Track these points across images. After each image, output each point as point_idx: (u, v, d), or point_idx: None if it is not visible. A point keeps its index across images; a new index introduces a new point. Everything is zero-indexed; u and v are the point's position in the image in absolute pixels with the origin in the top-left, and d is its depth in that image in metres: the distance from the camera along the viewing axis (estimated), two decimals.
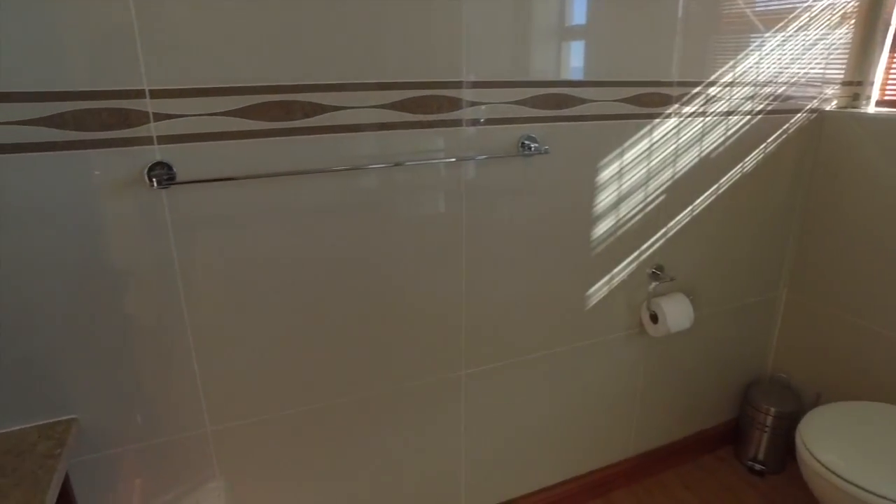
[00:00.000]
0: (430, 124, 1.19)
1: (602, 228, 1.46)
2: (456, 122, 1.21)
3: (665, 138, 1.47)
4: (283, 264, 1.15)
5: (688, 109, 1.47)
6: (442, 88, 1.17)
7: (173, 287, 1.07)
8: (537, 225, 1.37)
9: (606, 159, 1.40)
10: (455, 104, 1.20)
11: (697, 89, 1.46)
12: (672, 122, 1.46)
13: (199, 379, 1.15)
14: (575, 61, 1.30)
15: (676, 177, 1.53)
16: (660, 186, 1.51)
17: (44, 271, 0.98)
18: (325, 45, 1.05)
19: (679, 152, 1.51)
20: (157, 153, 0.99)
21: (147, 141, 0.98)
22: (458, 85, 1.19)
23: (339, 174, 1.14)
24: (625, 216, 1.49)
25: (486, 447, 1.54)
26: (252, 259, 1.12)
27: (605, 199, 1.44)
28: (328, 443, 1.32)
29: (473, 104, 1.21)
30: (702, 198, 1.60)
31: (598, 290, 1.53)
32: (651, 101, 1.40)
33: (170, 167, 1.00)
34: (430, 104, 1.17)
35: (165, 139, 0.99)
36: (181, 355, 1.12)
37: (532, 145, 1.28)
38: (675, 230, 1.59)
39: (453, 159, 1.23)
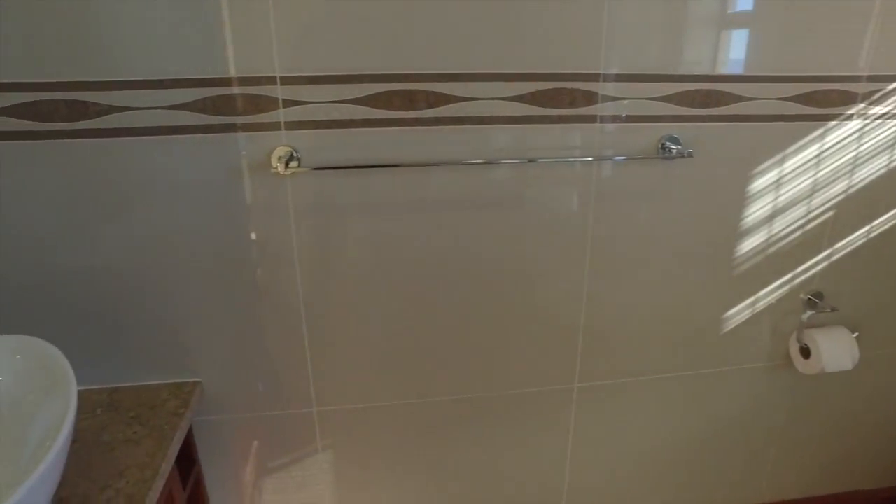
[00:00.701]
0: (561, 119, 1.11)
1: (749, 244, 1.28)
2: (589, 119, 1.12)
3: (842, 144, 1.24)
4: (398, 256, 1.14)
5: (877, 110, 1.23)
6: (576, 81, 1.08)
7: (291, 270, 1.11)
8: (672, 235, 1.24)
9: (762, 166, 1.22)
10: (590, 98, 1.10)
11: (893, 85, 1.22)
12: (853, 124, 1.23)
13: (309, 361, 1.19)
14: (735, 53, 1.13)
15: (851, 190, 1.29)
16: (828, 200, 1.29)
17: (183, 244, 1.07)
18: (452, 33, 1.01)
19: (859, 161, 1.27)
20: (284, 138, 1.02)
21: (275, 127, 1.01)
22: (594, 78, 1.09)
23: (463, 168, 1.10)
24: (779, 232, 1.29)
25: (594, 468, 1.44)
26: (367, 248, 1.12)
27: (756, 211, 1.25)
28: (426, 437, 1.31)
29: (611, 99, 1.11)
30: (884, 217, 1.34)
31: (739, 312, 1.35)
32: (827, 99, 1.19)
33: (295, 152, 1.03)
34: (561, 98, 1.09)
35: (292, 125, 1.02)
36: (295, 336, 1.16)
37: (673, 147, 1.14)
38: (842, 253, 1.35)
39: (590, 158, 1.14)
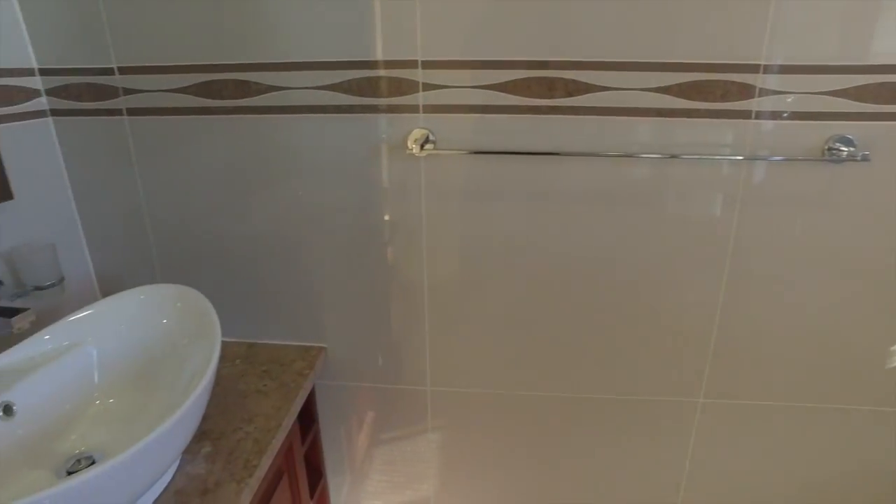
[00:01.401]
0: (710, 114, 1.02)
1: None
2: (743, 114, 1.02)
3: None
4: (522, 245, 1.13)
5: None
6: (731, 72, 0.99)
7: (419, 251, 1.15)
8: (834, 249, 1.09)
9: None
10: (745, 92, 1.00)
11: None
12: None
13: (428, 341, 1.22)
14: None
15: None
16: None
17: (324, 217, 1.14)
18: (596, 20, 0.97)
19: None
20: (421, 121, 1.05)
21: (413, 109, 1.04)
22: (753, 69, 0.99)
23: (597, 160, 1.06)
24: None
25: (711, 491, 1.33)
26: (492, 234, 1.12)
27: None
28: (535, 432, 1.29)
29: (772, 93, 1.00)
30: None
31: None
32: None
33: (431, 135, 1.05)
34: (712, 90, 1.01)
35: (429, 108, 1.04)
36: (417, 314, 1.20)
37: (845, 149, 1.01)
38: None
39: (740, 157, 1.04)
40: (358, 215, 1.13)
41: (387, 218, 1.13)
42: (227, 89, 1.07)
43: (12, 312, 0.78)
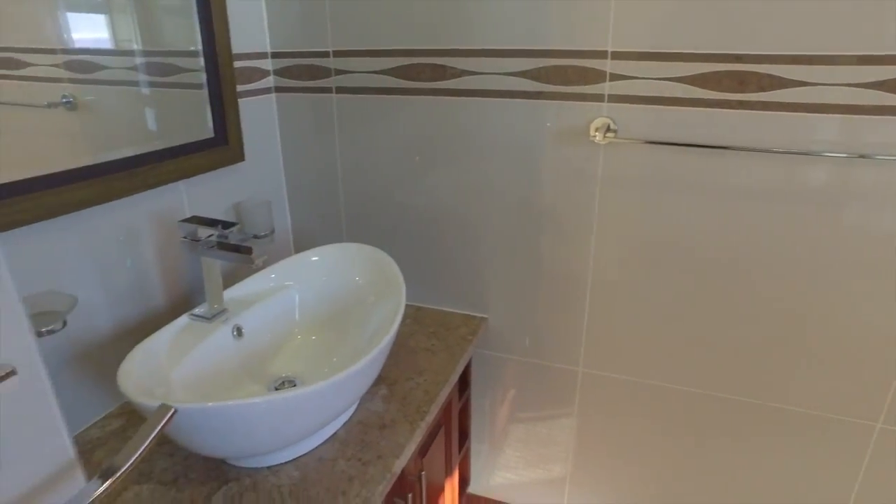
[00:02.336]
0: None
1: None
2: None
3: None
4: (694, 239, 1.12)
5: None
6: None
7: (587, 234, 1.18)
8: None
9: None
10: None
11: None
12: None
13: (585, 321, 1.25)
14: None
15: None
16: None
17: (498, 195, 1.22)
18: (797, 11, 0.93)
19: None
20: (605, 110, 1.08)
21: (598, 98, 1.07)
22: None
23: (778, 157, 1.02)
24: None
25: None
26: (664, 226, 1.13)
27: None
28: (686, 431, 1.28)
29: None
30: None
31: None
32: None
33: (613, 123, 1.08)
34: None
35: (614, 98, 1.07)
36: (577, 296, 1.24)
37: None
38: None
39: None
40: (531, 198, 1.20)
41: (559, 202, 1.18)
42: (424, 72, 1.18)
43: (249, 250, 0.94)
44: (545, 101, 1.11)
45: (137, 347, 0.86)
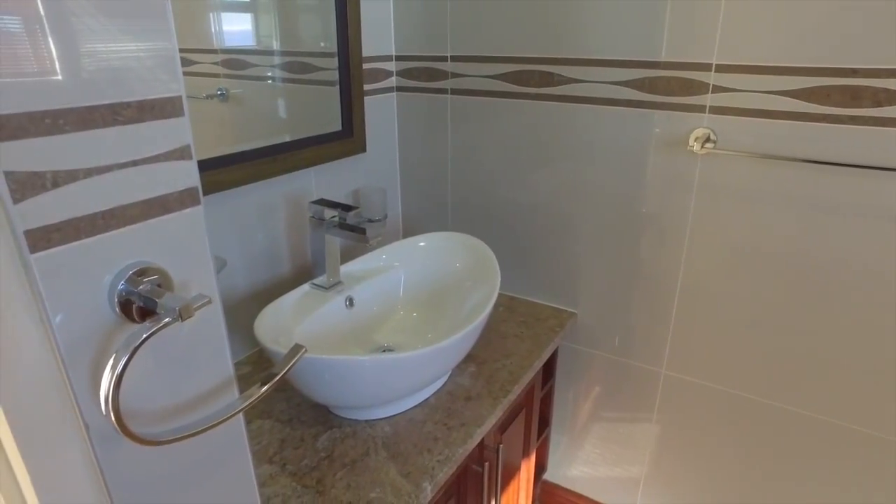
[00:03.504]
0: None
1: None
2: None
3: None
4: (785, 252, 1.11)
5: None
6: None
7: (680, 239, 1.21)
8: None
9: None
10: None
11: None
12: None
13: (671, 324, 1.28)
14: None
15: None
16: None
17: (595, 196, 1.28)
18: None
19: None
20: (705, 121, 1.11)
21: (699, 109, 1.10)
22: None
23: (890, 176, 1.00)
24: None
25: None
26: (755, 236, 1.13)
27: None
28: (765, 443, 1.27)
29: None
30: None
31: None
32: None
33: (713, 134, 1.11)
34: None
35: (715, 109, 1.09)
36: (666, 298, 1.27)
37: None
38: None
39: None
40: (628, 202, 1.24)
41: (654, 208, 1.22)
42: (533, 79, 1.26)
43: (364, 231, 1.08)
44: (647, 110, 1.16)
45: (269, 306, 1.03)
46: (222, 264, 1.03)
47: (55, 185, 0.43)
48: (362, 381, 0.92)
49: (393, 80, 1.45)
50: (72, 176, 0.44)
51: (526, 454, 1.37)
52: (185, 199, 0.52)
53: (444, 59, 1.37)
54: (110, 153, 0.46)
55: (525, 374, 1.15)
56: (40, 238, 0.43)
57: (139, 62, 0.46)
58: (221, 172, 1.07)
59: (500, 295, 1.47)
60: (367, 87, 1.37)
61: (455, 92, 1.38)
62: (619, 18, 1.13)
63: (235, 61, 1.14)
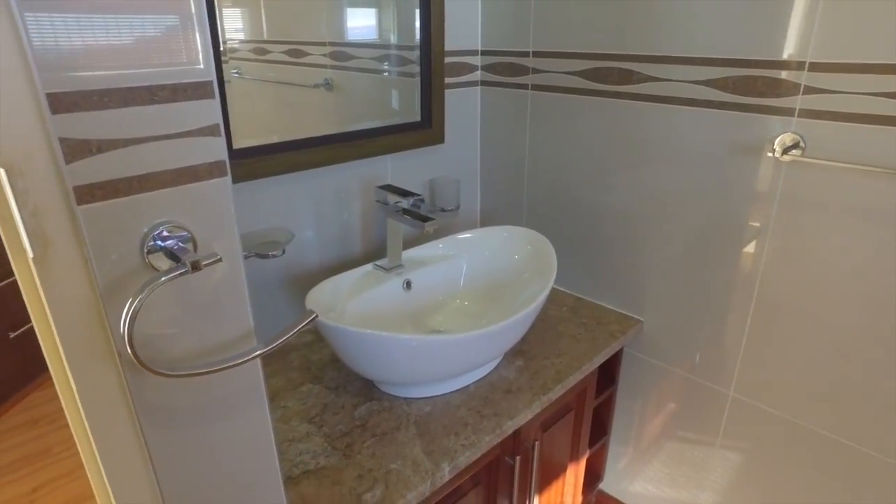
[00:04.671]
0: None
1: None
2: None
3: None
4: (876, 274, 0.99)
5: None
6: None
7: (757, 255, 1.13)
8: None
9: None
10: None
11: None
12: None
13: (743, 342, 1.19)
14: None
15: None
16: None
17: (674, 202, 1.22)
18: None
19: None
20: (793, 125, 1.02)
21: (788, 112, 1.01)
22: None
23: None
24: None
25: None
26: (843, 257, 1.02)
27: None
28: (844, 491, 1.14)
29: None
30: None
31: None
32: None
33: (801, 140, 1.01)
34: None
35: (805, 113, 1.00)
36: (738, 317, 1.19)
37: None
38: None
39: None
40: (703, 209, 1.17)
41: (730, 217, 1.14)
42: (612, 76, 1.23)
43: (425, 219, 1.12)
44: (729, 111, 1.08)
45: (328, 279, 1.11)
46: (290, 237, 1.13)
47: (99, 150, 0.52)
48: (404, 358, 0.97)
49: (478, 75, 1.48)
50: (112, 144, 0.52)
51: (574, 458, 1.35)
52: (213, 170, 0.59)
53: (525, 54, 1.37)
54: (147, 127, 0.54)
55: (572, 375, 1.14)
56: (85, 193, 0.52)
57: (177, 51, 0.54)
58: (305, 154, 1.16)
59: (566, 295, 1.46)
60: (450, 80, 1.41)
61: (535, 88, 1.38)
62: (704, 13, 1.07)
63: (340, 53, 1.24)
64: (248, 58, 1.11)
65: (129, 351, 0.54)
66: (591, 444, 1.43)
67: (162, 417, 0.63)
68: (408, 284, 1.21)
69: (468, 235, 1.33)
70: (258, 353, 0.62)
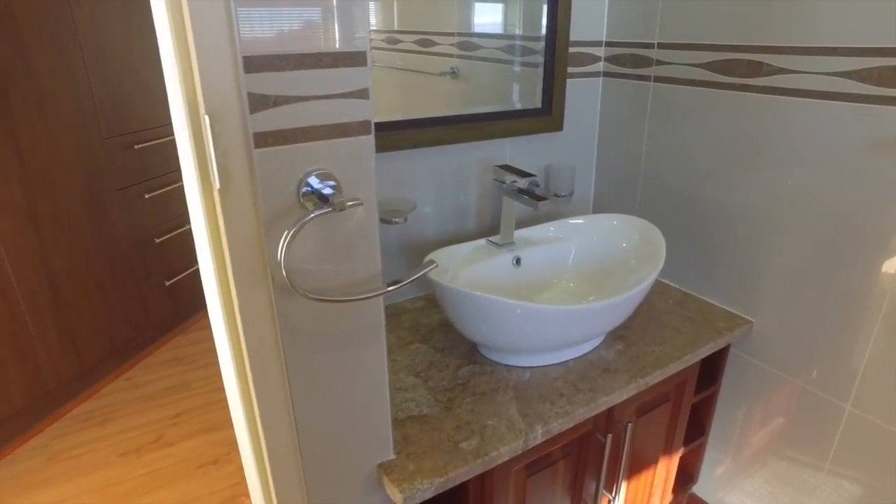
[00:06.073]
0: None
1: None
2: None
3: None
4: None
5: None
6: None
7: (891, 262, 1.06)
8: None
9: None
10: None
11: None
12: None
13: (867, 353, 1.13)
14: None
15: None
16: None
17: (803, 202, 1.18)
18: None
19: None
20: None
21: None
22: None
23: None
24: None
25: None
26: None
27: None
28: None
29: None
30: None
31: None
32: None
33: None
34: None
35: None
36: (865, 322, 1.12)
37: None
38: None
39: None
40: (834, 210, 1.12)
41: (864, 220, 1.08)
42: (740, 68, 1.20)
43: (539, 199, 1.17)
44: (871, 105, 1.03)
45: (445, 248, 1.20)
46: (412, 206, 1.23)
47: (275, 104, 0.63)
48: (510, 324, 1.03)
49: (600, 66, 1.50)
50: (286, 100, 0.63)
51: (667, 452, 1.34)
52: (360, 128, 0.69)
53: (650, 45, 1.37)
54: (313, 87, 0.64)
55: (672, 364, 1.14)
56: (261, 139, 0.63)
57: (342, 25, 0.64)
58: (429, 132, 1.26)
59: (673, 289, 1.45)
60: (572, 69, 1.45)
61: (658, 80, 1.38)
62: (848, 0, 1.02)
63: (468, 43, 1.33)
64: (380, 47, 1.22)
65: (283, 273, 0.64)
66: (686, 443, 1.41)
67: (300, 339, 0.74)
68: (517, 261, 1.27)
69: (579, 221, 1.36)
70: (390, 288, 0.71)
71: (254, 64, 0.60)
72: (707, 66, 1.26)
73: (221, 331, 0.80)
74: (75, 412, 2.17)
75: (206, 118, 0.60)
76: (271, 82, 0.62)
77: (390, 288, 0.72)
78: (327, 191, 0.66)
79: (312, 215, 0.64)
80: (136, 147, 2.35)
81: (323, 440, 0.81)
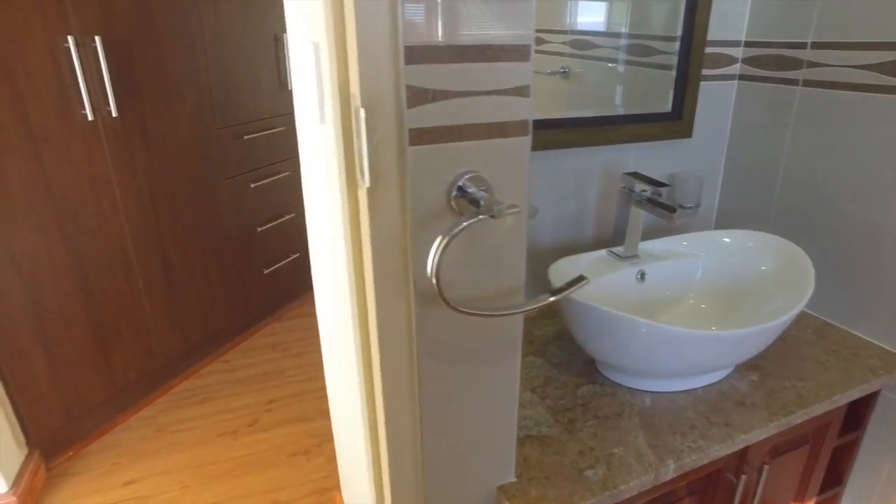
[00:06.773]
0: None
1: None
2: None
3: None
4: None
5: None
6: None
7: None
8: None
9: None
10: None
11: None
12: None
13: None
14: None
15: None
16: None
17: None
18: None
19: None
20: None
21: None
22: None
23: None
24: None
25: None
26: None
27: None
28: None
29: None
30: None
31: None
32: None
33: None
34: None
35: None
36: None
37: None
38: None
39: None
40: None
41: None
42: None
43: (672, 209, 1.08)
44: None
45: (566, 258, 1.14)
46: (535, 211, 1.17)
47: (433, 99, 0.59)
48: (634, 343, 0.95)
49: (736, 68, 1.38)
50: (444, 95, 0.59)
51: (798, 499, 1.20)
52: (518, 128, 0.63)
53: (801, 45, 1.24)
54: (473, 83, 0.60)
55: (817, 404, 1.01)
56: (416, 136, 0.59)
57: (508, 15, 0.59)
58: (549, 134, 1.20)
59: (811, 317, 1.30)
60: (705, 72, 1.33)
61: (808, 84, 1.24)
62: None
63: (581, 42, 1.25)
64: None
65: (434, 282, 0.60)
66: (820, 491, 1.26)
67: (435, 350, 0.70)
68: (642, 276, 1.18)
69: (709, 235, 1.25)
70: (537, 306, 0.66)
71: (415, 54, 0.57)
72: (875, 67, 1.12)
73: (336, 327, 0.78)
74: (178, 389, 2.27)
75: (362, 111, 0.57)
76: (431, 75, 0.58)
77: (552, 299, 0.66)
78: (480, 195, 0.62)
79: (469, 221, 0.59)
80: (245, 137, 2.43)
81: (446, 456, 0.77)
